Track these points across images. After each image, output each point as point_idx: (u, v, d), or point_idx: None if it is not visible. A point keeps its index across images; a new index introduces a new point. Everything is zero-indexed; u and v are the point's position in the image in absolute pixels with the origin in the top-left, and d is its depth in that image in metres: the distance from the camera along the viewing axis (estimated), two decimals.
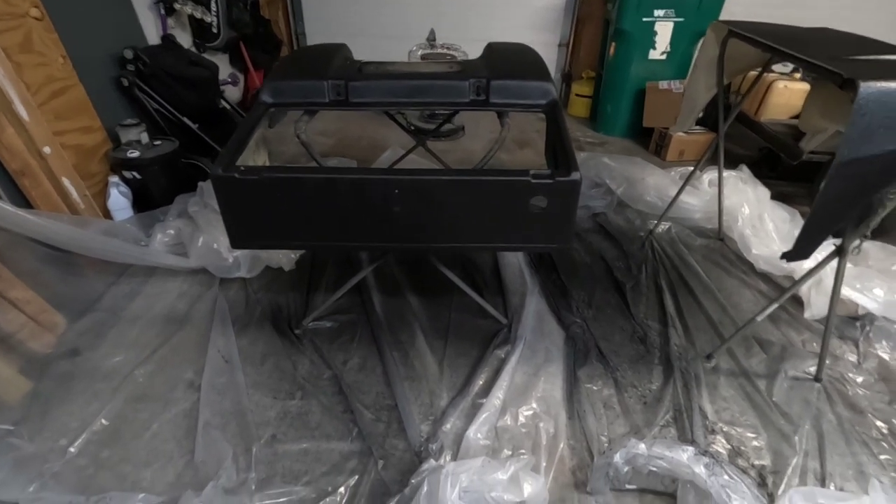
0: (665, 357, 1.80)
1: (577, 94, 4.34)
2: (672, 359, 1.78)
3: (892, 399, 1.66)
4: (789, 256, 1.41)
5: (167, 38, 2.74)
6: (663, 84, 3.47)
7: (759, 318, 1.65)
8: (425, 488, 1.19)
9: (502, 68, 1.79)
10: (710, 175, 2.67)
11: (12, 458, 1.36)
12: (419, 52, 3.65)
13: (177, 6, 2.84)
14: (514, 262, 2.23)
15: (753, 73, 3.12)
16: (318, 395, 1.60)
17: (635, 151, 3.66)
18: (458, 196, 1.44)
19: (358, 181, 1.40)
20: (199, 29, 3.25)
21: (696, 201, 2.58)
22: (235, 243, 1.57)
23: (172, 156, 2.38)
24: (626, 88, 3.70)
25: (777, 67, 3.17)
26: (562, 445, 1.45)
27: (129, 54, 2.39)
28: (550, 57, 4.42)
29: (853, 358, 1.81)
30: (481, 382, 1.65)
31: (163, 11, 2.86)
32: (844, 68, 1.26)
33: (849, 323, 1.95)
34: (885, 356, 1.80)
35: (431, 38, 4.27)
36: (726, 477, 1.19)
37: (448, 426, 1.49)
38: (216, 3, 3.19)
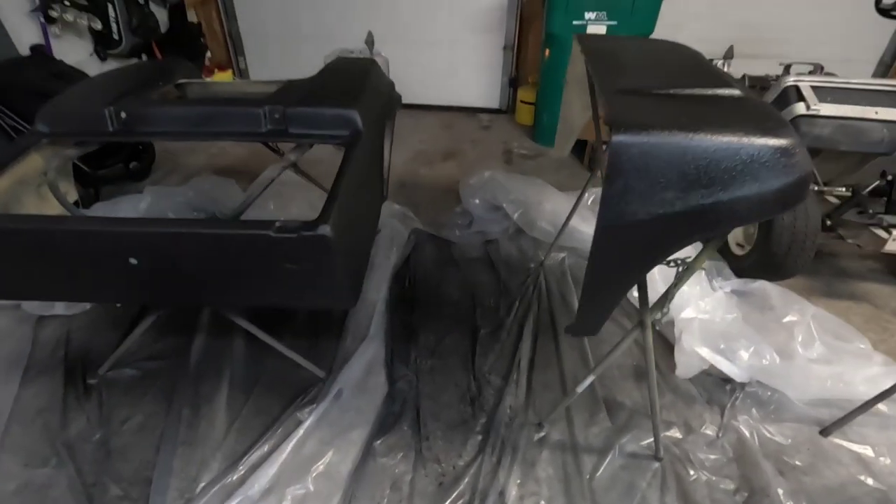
0: (489, 423, 1.57)
1: (521, 101, 4.07)
2: (497, 426, 1.56)
3: (738, 487, 1.41)
4: (573, 330, 1.18)
5: (36, 49, 2.60)
6: None
7: (579, 390, 1.42)
8: None
9: (308, 94, 1.58)
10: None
11: None
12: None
13: (54, 14, 2.69)
14: (370, 299, 2.03)
15: None
16: (74, 462, 1.43)
17: (569, 166, 3.41)
18: (198, 250, 1.24)
19: (76, 232, 1.22)
20: (100, 36, 3.10)
21: (590, 229, 2.32)
22: None
23: None
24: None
25: None
26: None
27: None
28: (495, 60, 4.16)
29: (712, 431, 1.56)
30: (263, 451, 1.46)
31: (42, 20, 2.72)
32: (617, 107, 1.02)
33: (720, 385, 1.69)
34: (746, 431, 1.54)
35: (369, 41, 4.06)
36: None
37: None
38: (114, 8, 3.05)
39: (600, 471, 1.44)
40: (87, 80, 1.74)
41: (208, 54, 4.18)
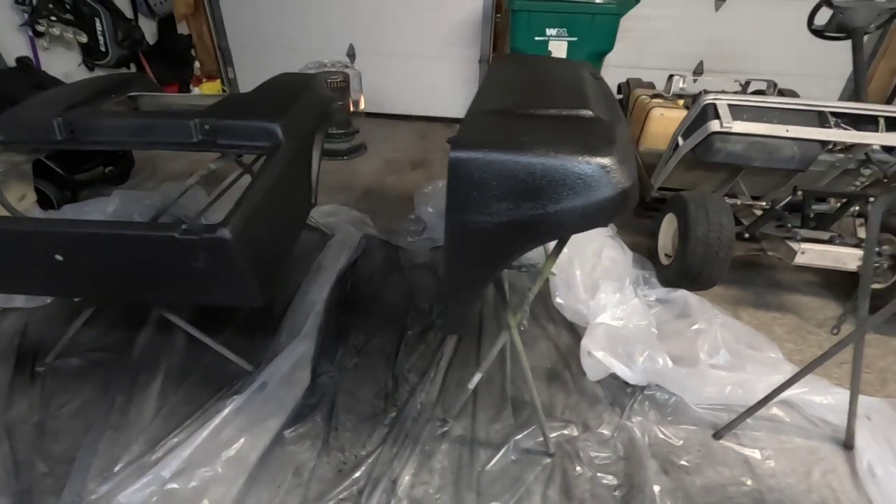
0: (398, 417, 1.68)
1: None
2: (404, 420, 1.66)
3: (619, 483, 1.49)
4: (441, 328, 1.28)
5: (21, 61, 2.79)
6: None
7: (470, 386, 1.51)
8: None
9: (237, 108, 1.71)
10: None
11: None
12: (311, 72, 3.59)
13: (41, 28, 2.89)
14: (311, 300, 2.15)
15: (642, 98, 2.95)
16: (10, 441, 1.57)
17: None
18: (114, 249, 1.37)
19: (7, 231, 1.36)
20: (87, 48, 3.30)
21: None
22: None
23: None
24: None
25: (646, 91, 2.97)
26: None
27: None
28: (471, 73, 4.29)
29: (608, 430, 1.65)
30: (182, 436, 1.58)
31: (31, 33, 2.92)
32: (466, 127, 1.13)
33: (623, 388, 1.77)
34: (639, 432, 1.62)
35: (350, 53, 4.23)
36: None
37: (105, 487, 1.42)
38: (101, 22, 3.24)
39: (492, 463, 1.53)
40: (44, 92, 1.89)
41: (197, 65, 4.38)
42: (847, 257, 1.87)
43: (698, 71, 4.07)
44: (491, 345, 1.98)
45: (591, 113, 1.19)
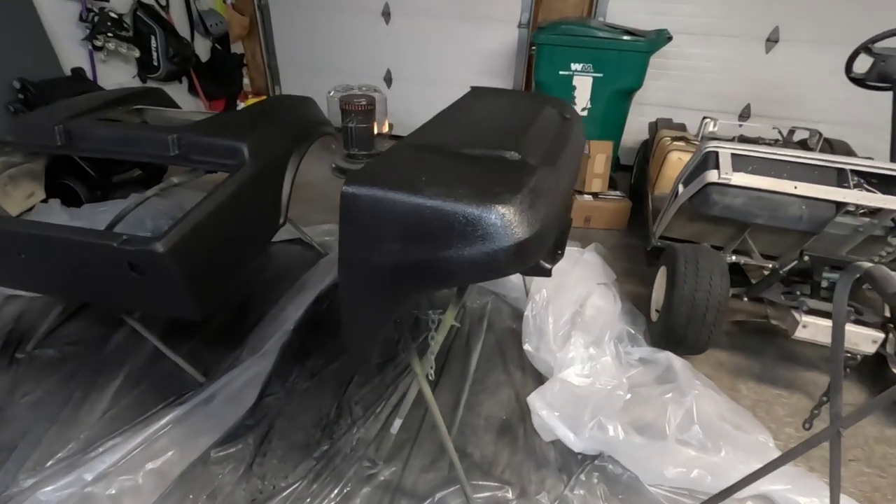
0: (329, 451, 1.61)
1: None
2: (334, 455, 1.60)
3: None
4: (346, 367, 1.22)
5: (75, 71, 3.08)
6: None
7: (393, 431, 1.43)
8: None
9: (216, 125, 1.77)
10: None
11: None
12: (337, 96, 3.71)
13: (98, 43, 3.19)
14: (286, 316, 2.15)
15: (664, 140, 2.79)
16: None
17: None
18: (65, 252, 1.44)
19: None
20: (141, 62, 3.61)
21: (517, 279, 2.31)
22: None
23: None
24: None
25: (672, 132, 2.80)
26: None
27: (16, 85, 2.72)
28: None
29: (546, 500, 1.49)
30: (117, 441, 1.60)
31: (90, 47, 3.22)
32: (374, 161, 1.09)
33: (575, 454, 1.61)
34: None
35: (387, 78, 4.35)
36: None
37: (30, 482, 1.46)
38: (156, 39, 3.54)
39: None
40: (63, 101, 2.06)
41: (246, 81, 4.66)
42: (859, 338, 1.62)
43: (744, 114, 3.82)
44: (458, 374, 1.90)
45: (516, 155, 1.11)
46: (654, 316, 2.09)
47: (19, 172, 1.96)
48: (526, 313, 2.00)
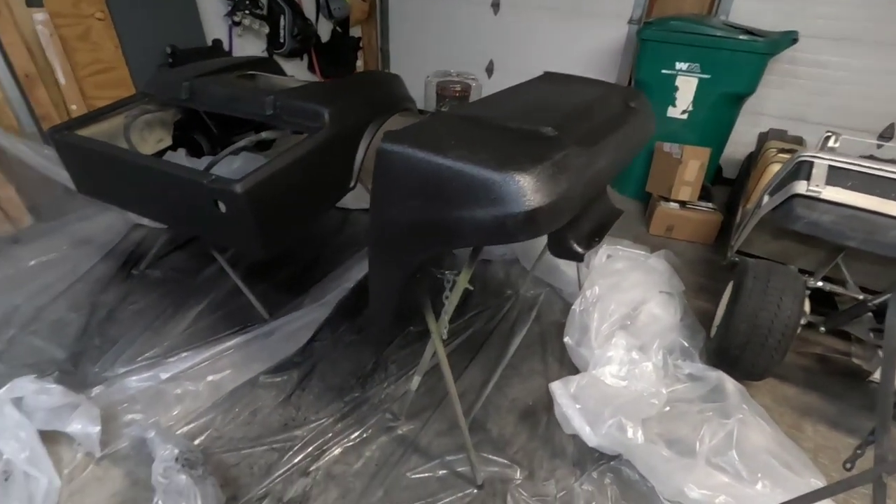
0: (359, 398, 1.74)
1: None
2: (362, 403, 1.72)
3: None
4: (367, 329, 1.30)
5: (214, 42, 3.54)
6: (666, 146, 2.99)
7: (413, 388, 1.50)
8: None
9: (308, 91, 1.97)
10: (615, 250, 2.30)
11: None
12: (434, 80, 3.84)
13: (236, 19, 3.63)
14: (347, 276, 2.33)
15: (769, 151, 2.57)
16: (91, 316, 2.04)
17: (632, 217, 3.22)
18: (161, 185, 1.71)
19: (112, 157, 1.79)
20: (270, 39, 4.04)
21: (573, 273, 2.26)
22: (78, 188, 2.11)
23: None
24: None
25: (781, 144, 2.53)
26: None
27: (167, 50, 3.21)
28: None
29: (553, 488, 1.48)
30: (188, 353, 1.86)
31: (230, 22, 3.68)
32: (414, 127, 1.16)
33: (592, 451, 1.56)
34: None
35: (489, 68, 4.42)
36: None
37: (123, 370, 1.77)
38: (284, 19, 3.94)
39: (415, 471, 1.50)
40: (195, 63, 2.40)
41: (360, 63, 4.99)
42: None
43: (886, 134, 3.31)
44: (494, 356, 1.94)
45: (552, 131, 1.12)
46: (713, 330, 1.93)
47: (154, 120, 2.33)
48: (573, 307, 1.97)
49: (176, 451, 1.28)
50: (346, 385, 1.81)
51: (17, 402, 1.46)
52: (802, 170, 1.64)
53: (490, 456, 1.55)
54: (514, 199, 0.95)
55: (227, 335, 1.97)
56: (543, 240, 2.51)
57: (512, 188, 0.95)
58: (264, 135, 1.96)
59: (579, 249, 1.27)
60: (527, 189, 0.95)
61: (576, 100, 1.38)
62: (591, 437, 1.46)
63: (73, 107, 2.85)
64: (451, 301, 1.25)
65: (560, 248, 1.29)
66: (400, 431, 1.64)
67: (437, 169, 1.01)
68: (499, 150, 1.03)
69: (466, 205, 0.99)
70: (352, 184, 2.04)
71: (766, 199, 1.79)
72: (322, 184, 1.90)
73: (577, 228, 1.30)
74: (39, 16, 2.61)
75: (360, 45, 4.98)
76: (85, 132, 1.98)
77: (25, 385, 1.46)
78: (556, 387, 1.55)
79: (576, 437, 1.63)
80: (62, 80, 2.78)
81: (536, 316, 2.21)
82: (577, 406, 1.51)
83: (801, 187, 1.59)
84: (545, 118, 1.20)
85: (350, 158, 2.00)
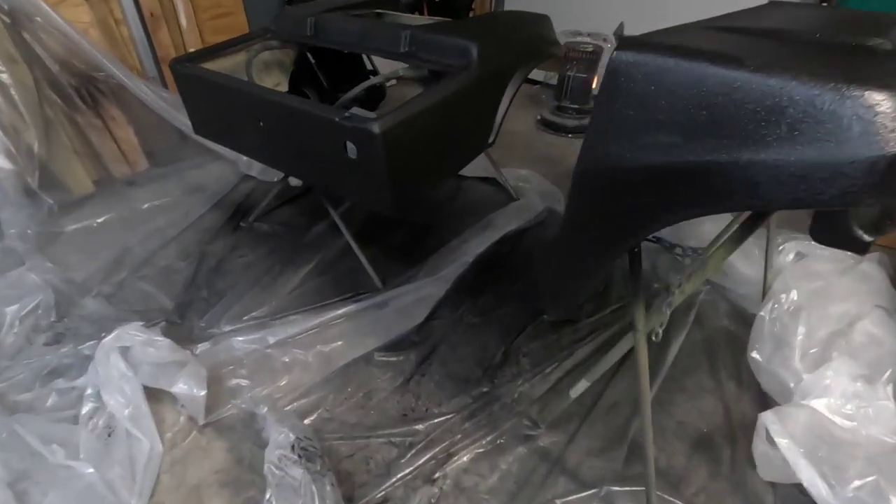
0: (487, 394, 1.45)
1: None
2: (492, 400, 1.43)
3: None
4: (547, 311, 0.98)
5: None
6: None
7: (573, 394, 1.17)
8: None
9: (448, 27, 1.67)
10: (809, 246, 1.81)
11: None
12: (561, 40, 3.40)
13: None
14: (464, 249, 2.04)
15: None
16: (202, 263, 1.92)
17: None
18: (285, 122, 1.49)
19: (235, 90, 1.60)
20: None
21: (750, 271, 1.80)
22: (195, 129, 1.97)
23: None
24: None
25: None
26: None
27: None
28: None
29: None
30: (297, 317, 1.67)
31: None
32: (656, 34, 0.80)
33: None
34: None
35: (618, 33, 3.92)
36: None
37: (229, 328, 1.61)
38: None
39: (567, 499, 1.19)
40: (319, 0, 2.19)
41: None
42: None
43: None
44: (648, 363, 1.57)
45: (887, 44, 0.72)
46: None
47: (272, 61, 2.15)
48: (761, 313, 1.53)
49: (292, 436, 1.06)
50: (472, 376, 1.52)
51: (125, 353, 1.31)
52: None
53: (664, 495, 1.20)
54: (866, 134, 0.57)
55: (337, 302, 1.75)
56: (704, 227, 2.06)
57: (865, 118, 0.57)
58: (401, 72, 1.69)
59: (866, 237, 0.86)
60: (888, 124, 0.57)
61: (853, 19, 0.94)
62: (828, 498, 1.05)
63: (192, 50, 2.77)
64: (685, 290, 0.90)
65: (833, 235, 0.89)
66: (541, 443, 1.33)
67: (721, 85, 0.65)
68: (823, 61, 0.65)
69: (771, 141, 0.62)
70: (491, 139, 1.73)
71: None
72: (462, 133, 1.60)
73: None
74: None
75: (473, 6, 4.63)
76: (207, 66, 1.82)
77: (134, 334, 1.32)
78: (770, 421, 1.15)
79: (777, 487, 1.24)
80: (184, 23, 2.70)
81: (696, 320, 1.79)
82: (801, 450, 1.11)
83: None
84: (854, 27, 0.79)
85: (494, 108, 1.68)
